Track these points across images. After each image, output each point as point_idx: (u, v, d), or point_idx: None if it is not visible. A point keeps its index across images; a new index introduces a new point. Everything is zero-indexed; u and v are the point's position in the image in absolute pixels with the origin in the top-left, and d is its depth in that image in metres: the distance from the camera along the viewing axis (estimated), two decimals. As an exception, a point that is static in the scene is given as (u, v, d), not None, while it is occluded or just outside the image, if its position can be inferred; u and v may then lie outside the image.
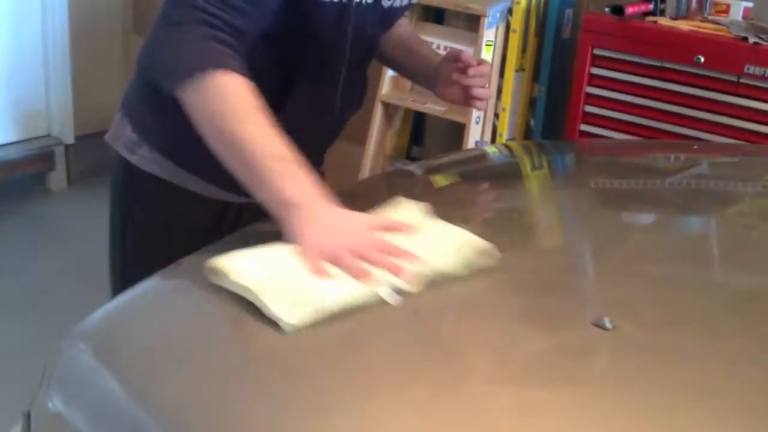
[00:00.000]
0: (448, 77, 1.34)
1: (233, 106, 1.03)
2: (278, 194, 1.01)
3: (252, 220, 1.16)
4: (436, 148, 3.08)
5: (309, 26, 1.17)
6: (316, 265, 0.95)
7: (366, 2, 1.19)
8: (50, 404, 0.91)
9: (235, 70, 1.04)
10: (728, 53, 2.25)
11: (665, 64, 2.36)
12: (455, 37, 2.72)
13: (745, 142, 2.23)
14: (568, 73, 2.72)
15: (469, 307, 0.98)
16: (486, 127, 2.68)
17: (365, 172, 2.86)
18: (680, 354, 0.89)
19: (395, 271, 0.95)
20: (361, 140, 2.86)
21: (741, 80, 2.25)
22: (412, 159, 3.11)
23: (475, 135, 2.66)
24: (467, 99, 1.35)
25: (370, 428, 0.78)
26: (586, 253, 1.14)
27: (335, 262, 0.96)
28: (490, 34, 2.59)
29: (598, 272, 1.08)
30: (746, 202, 1.40)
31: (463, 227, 1.07)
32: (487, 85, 1.35)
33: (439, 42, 2.71)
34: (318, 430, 0.77)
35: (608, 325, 0.91)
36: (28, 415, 0.95)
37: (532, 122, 2.79)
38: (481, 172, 1.50)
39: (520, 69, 2.68)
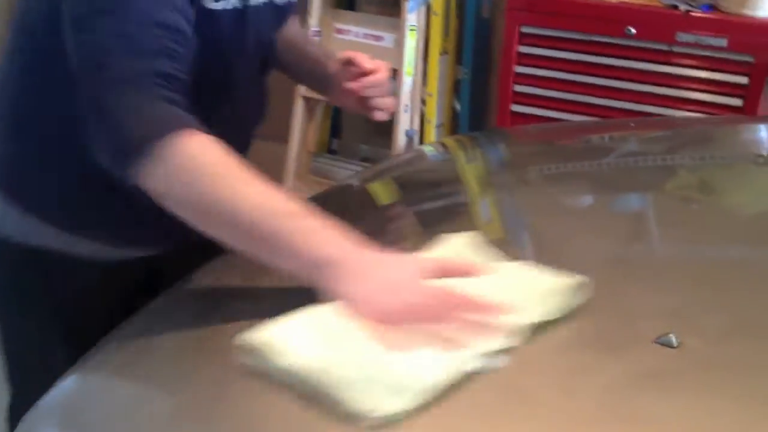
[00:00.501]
0: (342, 84, 1.19)
1: (213, 176, 0.86)
2: (308, 256, 0.84)
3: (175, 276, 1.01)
4: (357, 139, 2.96)
5: (207, 39, 1.00)
6: (386, 335, 0.78)
7: (260, 3, 1.05)
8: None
9: (193, 127, 0.88)
10: (659, 23, 2.23)
11: (594, 38, 2.31)
12: (374, 23, 2.60)
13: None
14: (491, 54, 2.65)
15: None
16: (414, 115, 2.58)
17: (290, 170, 2.71)
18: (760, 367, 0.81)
19: (483, 331, 0.80)
20: (283, 137, 2.71)
21: (673, 49, 2.23)
22: (333, 153, 2.99)
23: (404, 124, 2.56)
24: (366, 108, 1.19)
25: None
26: (612, 257, 1.04)
27: (406, 326, 0.80)
28: (412, 18, 2.48)
29: (634, 277, 0.99)
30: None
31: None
32: (388, 93, 1.19)
33: (357, 29, 2.59)
34: None
35: (674, 342, 0.83)
36: None
37: (458, 106, 2.70)
38: (424, 178, 1.36)
39: (444, 52, 2.58)
